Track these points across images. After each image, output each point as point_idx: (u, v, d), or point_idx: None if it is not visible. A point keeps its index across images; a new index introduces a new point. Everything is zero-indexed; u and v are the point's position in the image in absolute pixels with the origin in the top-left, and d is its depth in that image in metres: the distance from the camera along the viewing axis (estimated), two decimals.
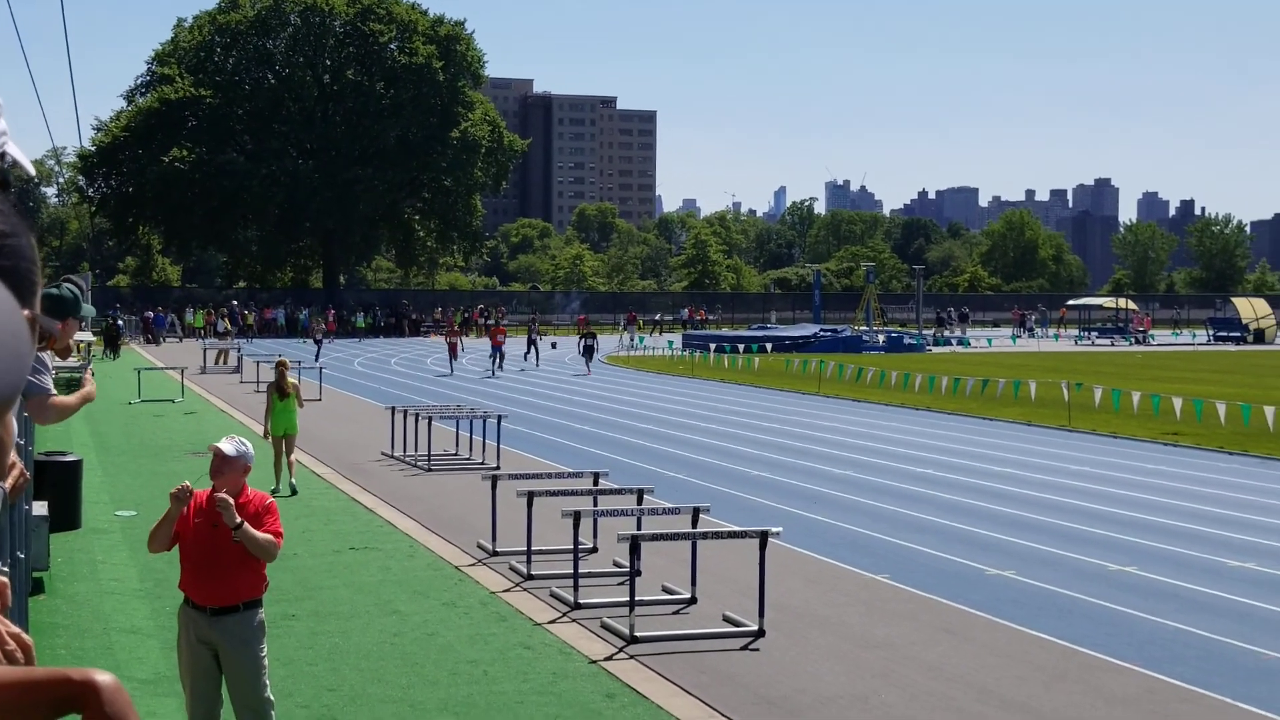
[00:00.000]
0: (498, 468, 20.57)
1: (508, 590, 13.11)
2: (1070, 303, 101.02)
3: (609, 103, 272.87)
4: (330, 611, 12.10)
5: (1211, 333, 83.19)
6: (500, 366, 47.10)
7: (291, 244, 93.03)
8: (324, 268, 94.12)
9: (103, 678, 1.86)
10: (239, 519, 7.41)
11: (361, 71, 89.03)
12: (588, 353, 49.32)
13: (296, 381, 20.23)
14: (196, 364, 44.48)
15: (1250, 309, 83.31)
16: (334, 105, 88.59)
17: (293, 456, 19.51)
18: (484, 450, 22.80)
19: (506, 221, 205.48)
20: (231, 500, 7.47)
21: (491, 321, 63.56)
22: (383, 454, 23.49)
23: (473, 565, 14.27)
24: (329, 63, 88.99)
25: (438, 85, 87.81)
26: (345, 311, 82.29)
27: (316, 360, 46.36)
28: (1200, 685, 10.18)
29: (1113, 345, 75.22)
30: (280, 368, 19.86)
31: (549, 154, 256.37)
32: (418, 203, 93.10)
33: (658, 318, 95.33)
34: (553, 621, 11.90)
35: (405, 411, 23.94)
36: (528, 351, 53.07)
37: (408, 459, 22.73)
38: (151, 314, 71.81)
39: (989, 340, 76.91)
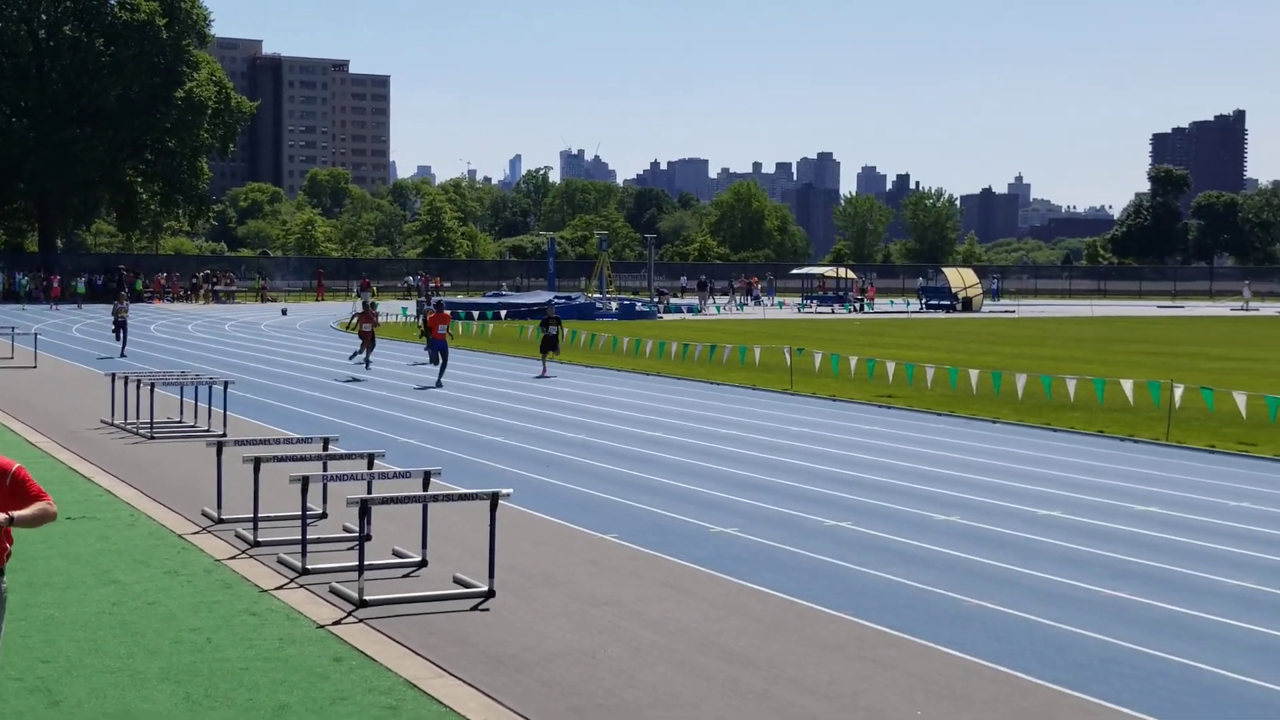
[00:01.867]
0: (224, 434, 20.15)
1: (233, 557, 12.92)
2: (794, 272, 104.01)
3: (341, 66, 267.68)
4: (44, 582, 11.72)
5: (924, 301, 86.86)
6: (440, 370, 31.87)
7: (5, 205, 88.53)
8: (40, 230, 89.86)
9: None
10: (8, 513, 6.83)
11: (80, 27, 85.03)
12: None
13: None
14: None
15: (959, 279, 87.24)
16: (51, 62, 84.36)
17: None
18: (210, 417, 22.28)
19: (235, 185, 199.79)
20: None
21: (427, 304, 45.55)
22: (103, 422, 22.71)
23: (197, 533, 13.99)
24: (45, 17, 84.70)
25: (161, 44, 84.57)
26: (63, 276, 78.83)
27: (123, 353, 37.72)
28: (906, 631, 10.75)
29: (833, 313, 77.84)
30: None
31: (279, 117, 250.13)
32: (140, 164, 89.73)
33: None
34: (279, 588, 11.78)
35: (127, 378, 23.19)
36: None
37: (129, 427, 22.04)
38: None
39: (717, 307, 78.72)
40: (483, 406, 26.45)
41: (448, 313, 33.20)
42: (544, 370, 34.04)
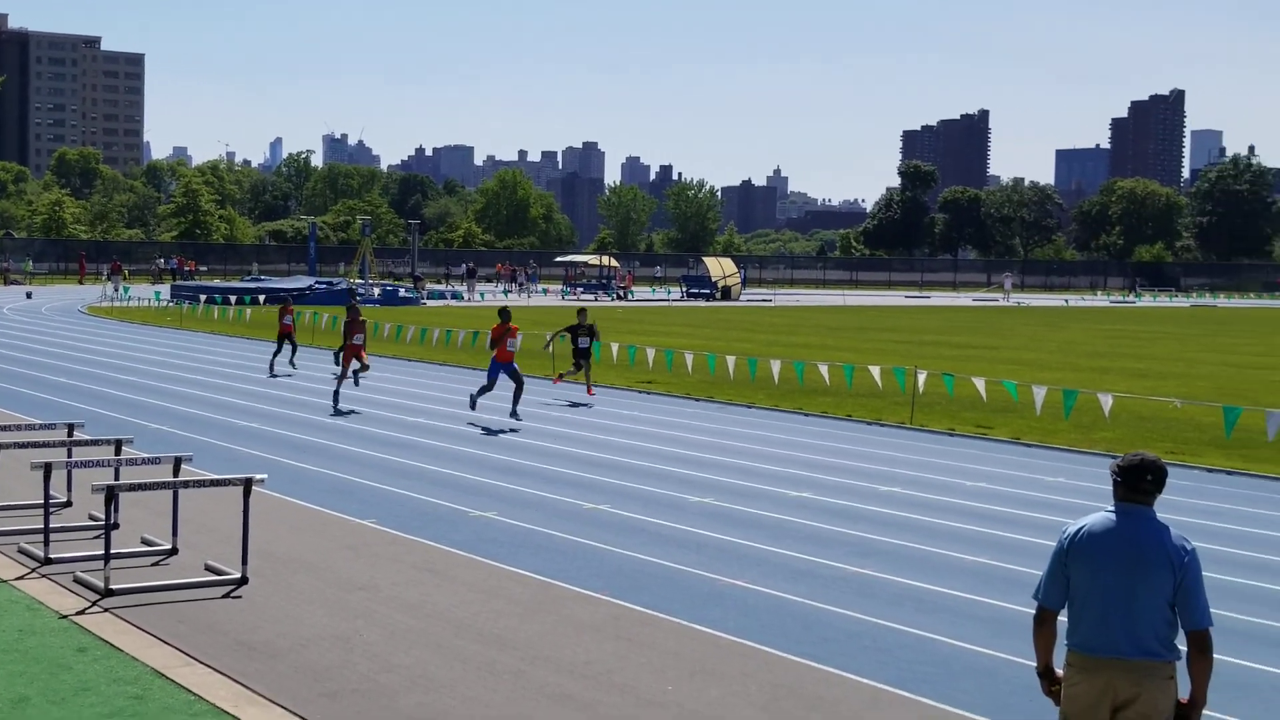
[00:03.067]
0: None
1: None
2: (558, 259, 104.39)
3: (92, 43, 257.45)
4: None
5: (685, 289, 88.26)
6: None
7: None
8: None
9: None
10: None
11: None
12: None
13: None
14: None
15: (719, 268, 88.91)
16: None
17: None
18: None
19: None
20: None
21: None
22: None
23: None
24: None
25: None
26: None
27: None
28: (660, 610, 10.98)
29: (596, 300, 78.44)
30: None
31: (25, 94, 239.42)
32: None
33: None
34: (20, 578, 11.37)
35: None
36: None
37: None
38: None
39: (481, 294, 78.49)
40: (239, 393, 25.88)
41: (515, 325, 24.02)
42: (588, 388, 26.97)
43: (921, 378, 24.85)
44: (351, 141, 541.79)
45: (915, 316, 66.59)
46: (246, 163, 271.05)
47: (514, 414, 22.76)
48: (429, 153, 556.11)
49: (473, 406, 23.46)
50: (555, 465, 18.15)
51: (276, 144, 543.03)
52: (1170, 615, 5.93)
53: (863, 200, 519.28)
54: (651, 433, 21.69)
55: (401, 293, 68.30)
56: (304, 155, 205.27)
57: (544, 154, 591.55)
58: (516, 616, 10.71)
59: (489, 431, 21.30)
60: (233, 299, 52.53)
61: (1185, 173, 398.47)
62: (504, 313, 24.07)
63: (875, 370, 27.00)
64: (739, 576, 12.16)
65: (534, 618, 10.69)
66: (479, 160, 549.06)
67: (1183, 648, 5.96)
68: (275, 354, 31.02)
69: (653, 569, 12.42)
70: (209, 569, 11.77)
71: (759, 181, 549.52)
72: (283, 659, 9.48)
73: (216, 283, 76.44)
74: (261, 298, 56.36)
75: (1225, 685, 8.81)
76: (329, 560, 12.41)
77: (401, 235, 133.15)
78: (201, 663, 9.30)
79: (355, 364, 25.25)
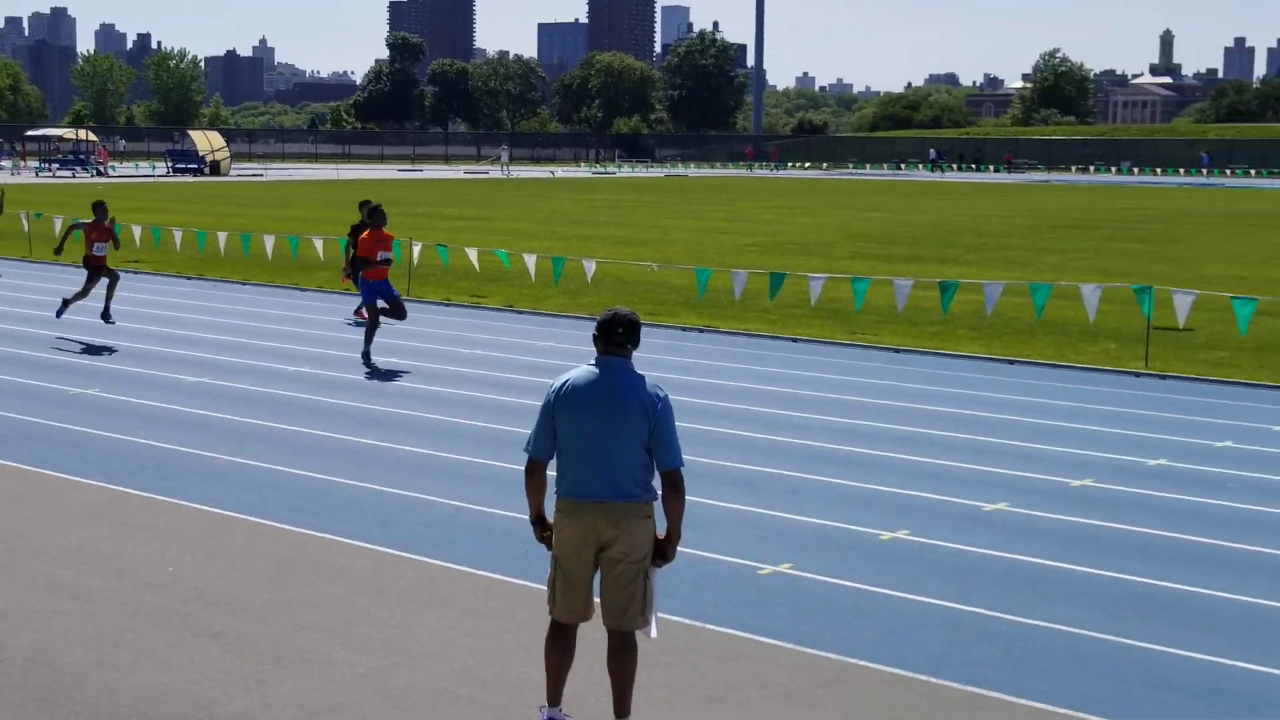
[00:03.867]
0: None
1: None
2: (30, 134, 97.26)
3: None
4: None
5: (171, 165, 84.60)
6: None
7: None
8: None
9: None
10: None
11: None
12: None
13: None
14: None
15: (206, 142, 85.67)
16: None
17: None
18: None
19: None
20: None
21: None
22: None
23: None
24: None
25: None
26: None
27: None
28: (158, 492, 10.77)
29: (74, 177, 74.03)
30: None
31: None
32: None
33: None
34: None
35: None
36: None
37: None
38: None
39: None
40: None
41: (388, 231, 17.83)
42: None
43: (416, 249, 25.09)
44: None
45: (408, 189, 66.67)
46: None
47: (367, 358, 17.00)
48: None
49: (366, 359, 16.92)
50: (36, 350, 17.28)
51: None
52: (646, 459, 6.41)
53: (352, 72, 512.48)
54: (141, 313, 20.93)
55: None
56: None
57: (8, 20, 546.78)
58: (1, 509, 10.25)
59: None
60: None
61: (658, 47, 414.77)
62: (374, 212, 17.74)
63: None
64: (239, 454, 12.09)
65: (21, 508, 10.28)
66: None
67: (660, 489, 6.48)
68: None
69: (148, 451, 12.16)
70: None
71: (244, 52, 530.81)
72: None
73: None
74: None
75: (698, 522, 9.64)
76: None
77: None
78: None
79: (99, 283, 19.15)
